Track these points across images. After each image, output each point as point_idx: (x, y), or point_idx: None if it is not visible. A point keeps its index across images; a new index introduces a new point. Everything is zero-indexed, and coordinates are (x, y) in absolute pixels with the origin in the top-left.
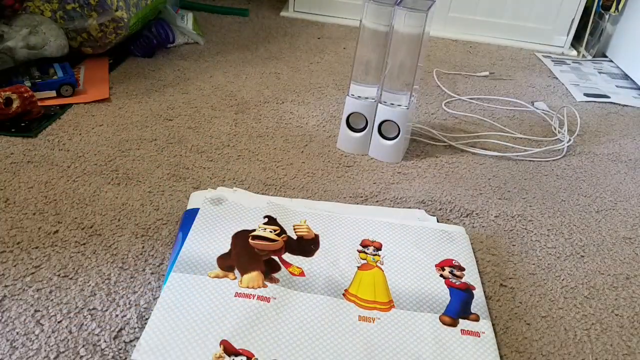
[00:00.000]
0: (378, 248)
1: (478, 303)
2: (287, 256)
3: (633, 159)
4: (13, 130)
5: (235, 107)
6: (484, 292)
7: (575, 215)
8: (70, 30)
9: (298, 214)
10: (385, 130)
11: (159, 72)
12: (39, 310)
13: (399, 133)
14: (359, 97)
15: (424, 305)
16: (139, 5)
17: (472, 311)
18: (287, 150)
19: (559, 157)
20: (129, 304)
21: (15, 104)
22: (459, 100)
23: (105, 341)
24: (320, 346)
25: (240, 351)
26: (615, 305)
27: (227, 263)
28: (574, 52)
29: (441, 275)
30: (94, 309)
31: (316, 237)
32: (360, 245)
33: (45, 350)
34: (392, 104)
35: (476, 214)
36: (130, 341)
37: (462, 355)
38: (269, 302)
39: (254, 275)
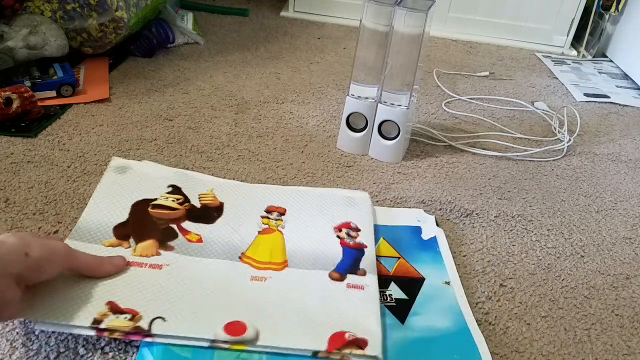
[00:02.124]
0: (282, 213)
1: (368, 260)
2: (187, 224)
3: (633, 159)
4: (13, 130)
5: (235, 107)
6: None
7: (575, 215)
8: (70, 30)
9: (206, 182)
10: (385, 130)
11: (159, 72)
12: None
13: (399, 133)
14: (359, 97)
15: (317, 263)
16: (139, 5)
17: (361, 267)
18: (287, 150)
19: (559, 157)
20: None
21: (15, 104)
22: (459, 100)
23: (105, 340)
24: (208, 303)
25: (125, 310)
26: (615, 305)
27: (123, 232)
28: (574, 52)
29: (337, 237)
30: None
31: (221, 205)
32: (265, 211)
33: (45, 350)
34: (392, 104)
35: (476, 214)
36: (131, 341)
37: (346, 307)
38: (161, 269)
39: (148, 244)
